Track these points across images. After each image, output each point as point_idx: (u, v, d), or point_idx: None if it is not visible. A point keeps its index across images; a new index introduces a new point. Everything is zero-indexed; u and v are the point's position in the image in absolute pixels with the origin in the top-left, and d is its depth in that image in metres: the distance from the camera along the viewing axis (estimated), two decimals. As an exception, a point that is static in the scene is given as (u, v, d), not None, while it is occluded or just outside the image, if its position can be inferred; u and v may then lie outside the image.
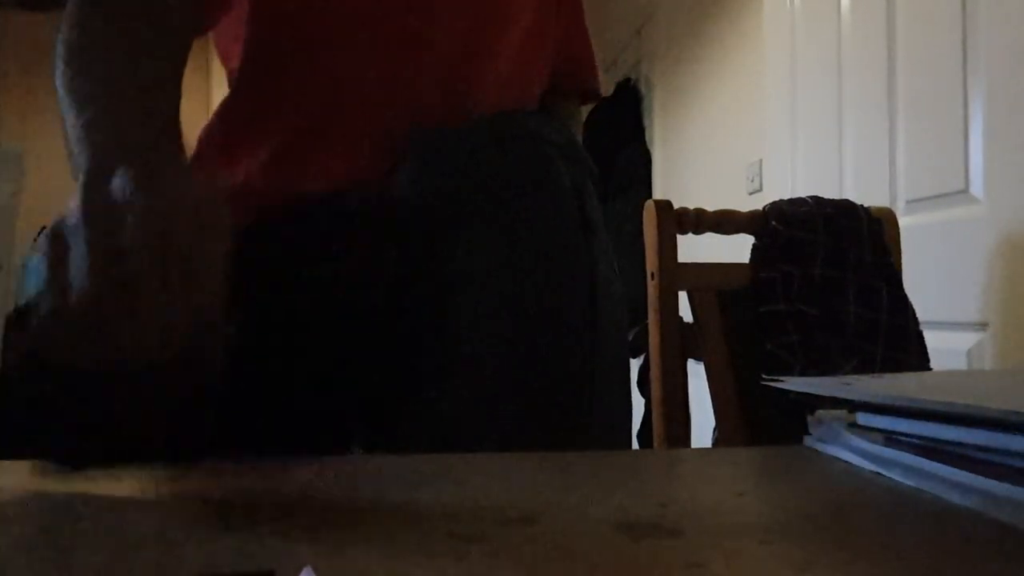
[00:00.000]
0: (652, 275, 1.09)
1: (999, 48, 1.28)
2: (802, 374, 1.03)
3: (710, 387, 1.07)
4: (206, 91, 4.06)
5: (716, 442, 1.07)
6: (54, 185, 4.34)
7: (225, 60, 0.79)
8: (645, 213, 1.11)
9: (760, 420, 1.04)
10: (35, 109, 4.03)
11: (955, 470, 0.40)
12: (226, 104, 0.76)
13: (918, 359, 1.10)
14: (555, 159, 0.61)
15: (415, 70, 0.70)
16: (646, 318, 1.09)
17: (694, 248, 1.23)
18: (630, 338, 1.00)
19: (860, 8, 1.67)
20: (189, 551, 0.32)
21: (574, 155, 0.65)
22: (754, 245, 1.13)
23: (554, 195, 0.60)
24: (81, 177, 0.46)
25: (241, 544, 0.33)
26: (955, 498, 0.39)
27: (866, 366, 1.05)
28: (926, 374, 0.97)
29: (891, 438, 0.46)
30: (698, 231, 1.13)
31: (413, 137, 0.63)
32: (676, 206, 1.12)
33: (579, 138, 0.91)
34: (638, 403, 0.90)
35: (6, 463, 0.47)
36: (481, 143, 0.60)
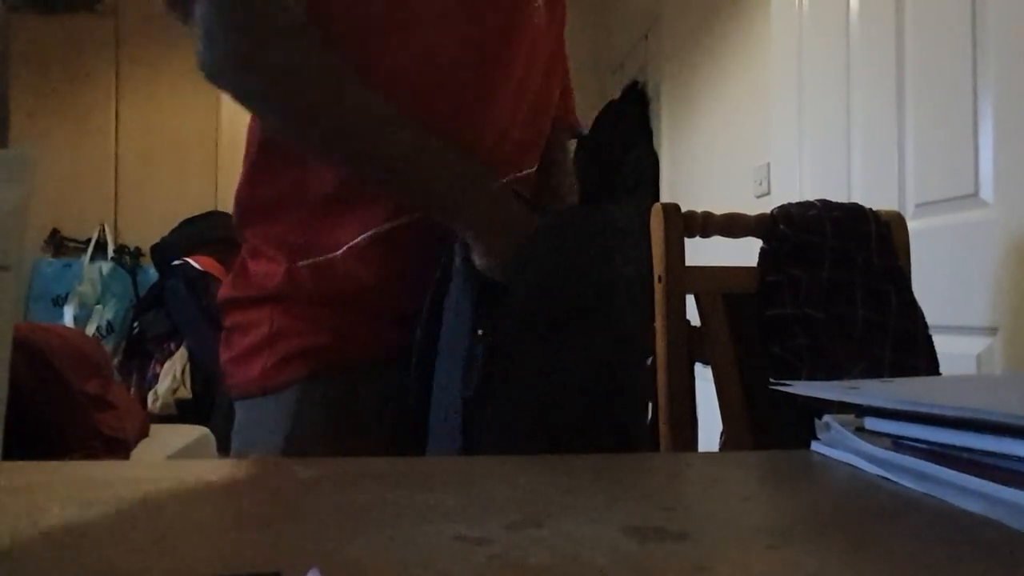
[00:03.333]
0: (659, 278, 1.09)
1: (1009, 51, 1.27)
2: (809, 378, 1.03)
3: (717, 391, 1.07)
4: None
5: (723, 446, 1.07)
6: (62, 187, 4.35)
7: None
8: (652, 216, 1.11)
9: (767, 424, 1.04)
10: (45, 111, 4.05)
11: (963, 475, 0.40)
12: (256, 162, 0.84)
13: (927, 363, 1.09)
14: (618, 248, 0.77)
15: (477, 129, 0.81)
16: (653, 321, 1.09)
17: (701, 251, 1.23)
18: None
19: (868, 10, 1.66)
20: (196, 552, 0.32)
21: (632, 231, 0.81)
22: (761, 248, 1.12)
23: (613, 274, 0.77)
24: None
25: (247, 545, 0.33)
26: (963, 503, 0.39)
27: (874, 370, 1.05)
28: (934, 379, 0.97)
29: (899, 443, 0.46)
30: (705, 234, 1.13)
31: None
32: (683, 209, 1.12)
33: (571, 156, 1.08)
34: (644, 406, 0.91)
35: (11, 463, 0.48)
36: (565, 239, 0.77)
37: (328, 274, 0.79)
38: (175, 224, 3.84)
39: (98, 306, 3.73)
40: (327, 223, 0.79)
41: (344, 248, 0.78)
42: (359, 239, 0.78)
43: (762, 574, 0.30)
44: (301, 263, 0.79)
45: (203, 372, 3.41)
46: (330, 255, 0.79)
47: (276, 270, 0.80)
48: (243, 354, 0.81)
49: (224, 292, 0.85)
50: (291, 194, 0.80)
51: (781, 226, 1.11)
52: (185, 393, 3.42)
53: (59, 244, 4.00)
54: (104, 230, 4.02)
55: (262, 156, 0.82)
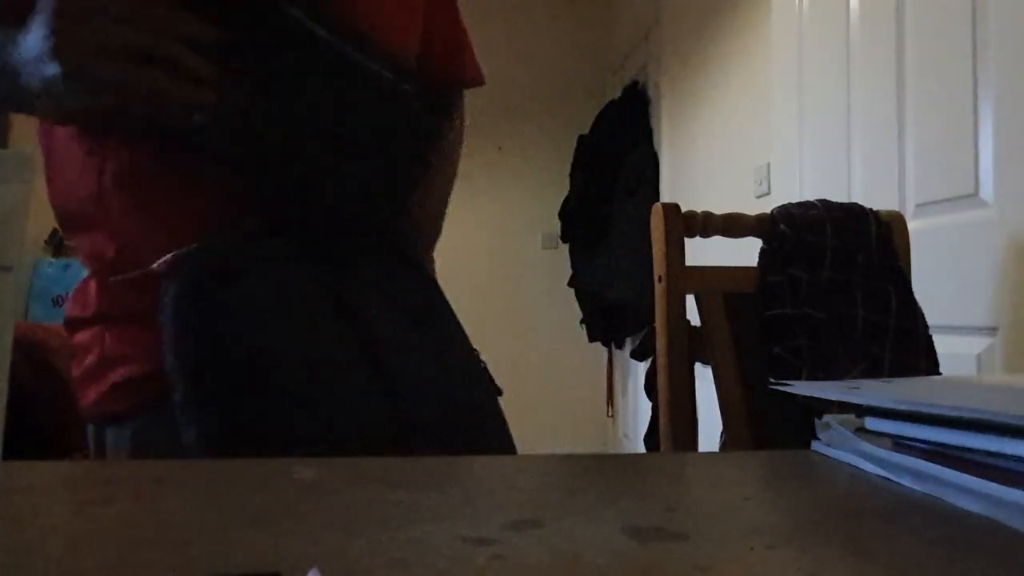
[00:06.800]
0: (659, 278, 1.09)
1: (1009, 51, 1.27)
2: (810, 378, 1.03)
3: (717, 391, 1.07)
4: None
5: (723, 446, 1.07)
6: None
7: None
8: (653, 216, 1.11)
9: (767, 424, 1.04)
10: (45, 111, 4.04)
11: (963, 475, 0.40)
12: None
13: (927, 363, 1.09)
14: None
15: None
16: (653, 321, 1.09)
17: (701, 251, 1.23)
18: (638, 341, 1.06)
19: (868, 10, 1.66)
20: (196, 551, 0.32)
21: None
22: (762, 249, 1.12)
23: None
24: None
25: (248, 545, 0.33)
26: (963, 503, 0.39)
27: (874, 370, 1.05)
28: (935, 378, 0.96)
29: (899, 443, 0.46)
30: (706, 234, 1.13)
31: None
32: (684, 209, 1.12)
33: (461, 123, 1.00)
34: (645, 406, 0.91)
35: (11, 463, 0.48)
36: None
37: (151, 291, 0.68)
38: (175, 224, 3.83)
39: (98, 306, 3.72)
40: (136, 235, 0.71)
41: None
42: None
43: (762, 574, 0.30)
44: (114, 279, 0.70)
45: (203, 372, 3.41)
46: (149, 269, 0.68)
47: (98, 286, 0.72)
48: (80, 378, 0.73)
49: (66, 309, 0.78)
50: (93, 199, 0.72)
51: (781, 226, 1.11)
52: (185, 393, 3.41)
53: (59, 244, 3.99)
54: (104, 230, 4.01)
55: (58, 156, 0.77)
